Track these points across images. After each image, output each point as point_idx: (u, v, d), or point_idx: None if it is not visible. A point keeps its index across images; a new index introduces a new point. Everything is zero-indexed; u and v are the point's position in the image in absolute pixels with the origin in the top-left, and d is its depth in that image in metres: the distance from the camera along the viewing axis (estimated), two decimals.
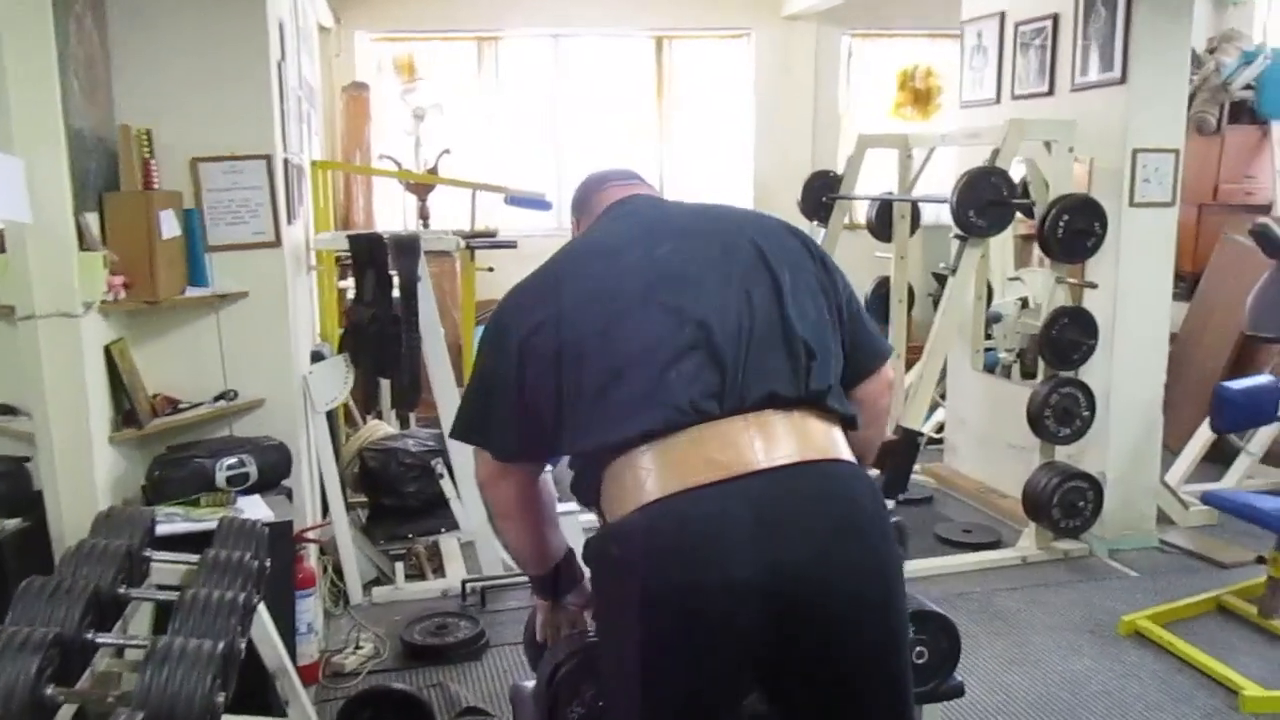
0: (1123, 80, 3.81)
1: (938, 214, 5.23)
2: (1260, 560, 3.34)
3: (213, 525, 2.28)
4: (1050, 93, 4.21)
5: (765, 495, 1.38)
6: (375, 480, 3.88)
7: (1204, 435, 4.48)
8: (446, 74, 6.44)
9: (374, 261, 3.61)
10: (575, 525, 2.93)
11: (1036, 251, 4.66)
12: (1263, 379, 3.56)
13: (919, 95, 7.05)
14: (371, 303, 3.63)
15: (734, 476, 1.38)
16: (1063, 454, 3.99)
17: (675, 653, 1.38)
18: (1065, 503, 3.82)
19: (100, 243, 2.54)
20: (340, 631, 3.35)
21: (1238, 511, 3.27)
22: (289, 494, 2.90)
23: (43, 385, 2.32)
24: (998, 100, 4.55)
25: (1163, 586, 3.71)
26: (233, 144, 2.92)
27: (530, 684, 1.89)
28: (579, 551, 1.71)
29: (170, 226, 2.75)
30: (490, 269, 4.56)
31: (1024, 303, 4.59)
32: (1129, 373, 3.98)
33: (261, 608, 2.20)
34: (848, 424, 1.54)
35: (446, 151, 5.67)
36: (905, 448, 3.60)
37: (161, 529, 2.35)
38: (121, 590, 1.92)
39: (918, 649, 1.94)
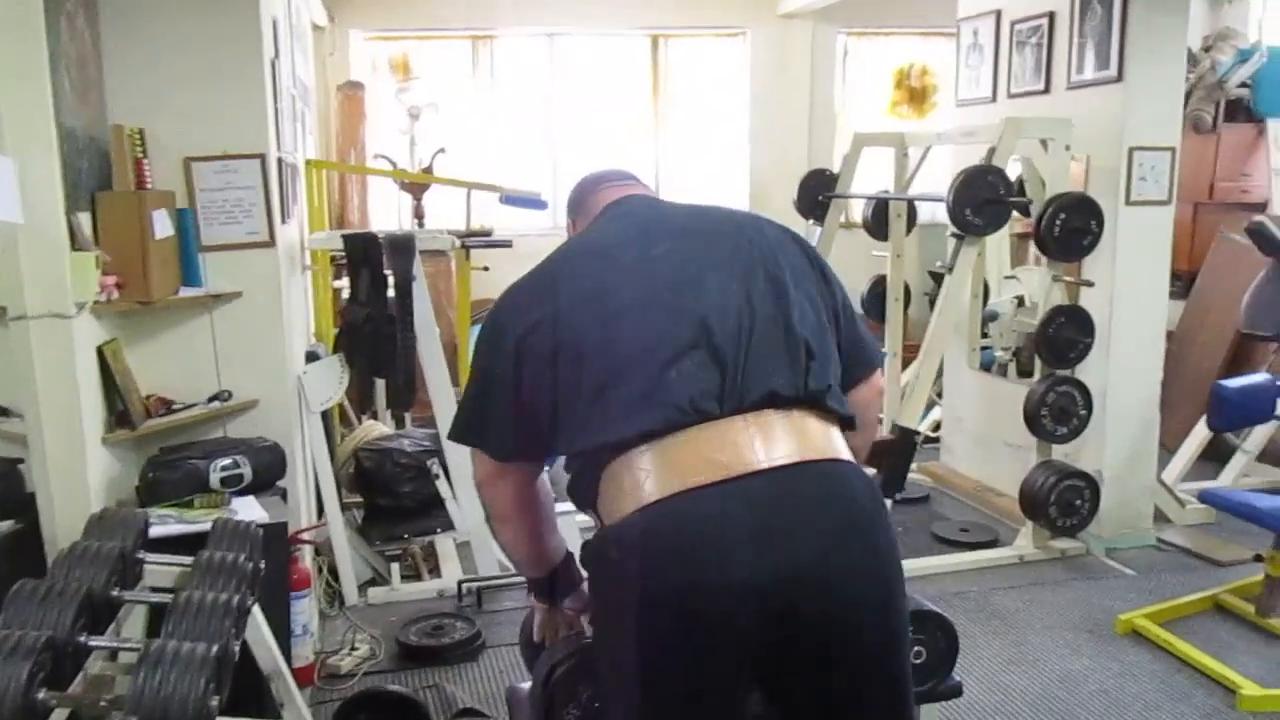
0: (1119, 78, 3.81)
1: (934, 212, 5.25)
2: (1258, 559, 3.34)
3: (207, 527, 2.26)
4: (1046, 91, 4.20)
5: (765, 495, 1.38)
6: (371, 481, 3.87)
7: (1200, 433, 4.48)
8: (441, 73, 6.42)
9: (369, 261, 3.60)
10: (573, 525, 2.93)
11: (1033, 250, 4.66)
12: (1259, 377, 3.56)
13: (915, 94, 7.04)
14: (366, 302, 3.61)
15: (734, 477, 1.37)
16: (1059, 452, 3.98)
17: (675, 653, 1.37)
18: (1062, 501, 3.82)
19: (93, 243, 2.52)
20: (336, 633, 3.34)
21: (1236, 511, 3.27)
22: (284, 495, 2.88)
23: (35, 386, 2.31)
24: (994, 98, 4.54)
25: (1160, 585, 3.71)
26: (226, 143, 2.90)
27: (526, 685, 1.88)
28: (577, 555, 1.70)
29: (163, 226, 2.73)
30: (486, 268, 4.55)
31: (1020, 301, 4.59)
32: (1126, 371, 3.98)
33: (256, 610, 2.19)
34: (846, 425, 1.54)
35: (441, 151, 5.65)
36: (902, 447, 3.60)
37: (155, 531, 2.33)
38: (115, 593, 1.91)
39: (916, 649, 1.94)
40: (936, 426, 5.24)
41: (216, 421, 2.97)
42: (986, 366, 4.72)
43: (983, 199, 3.59)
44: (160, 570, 2.11)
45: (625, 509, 1.41)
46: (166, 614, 1.80)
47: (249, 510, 2.62)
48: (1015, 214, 3.86)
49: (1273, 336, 4.47)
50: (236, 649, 1.88)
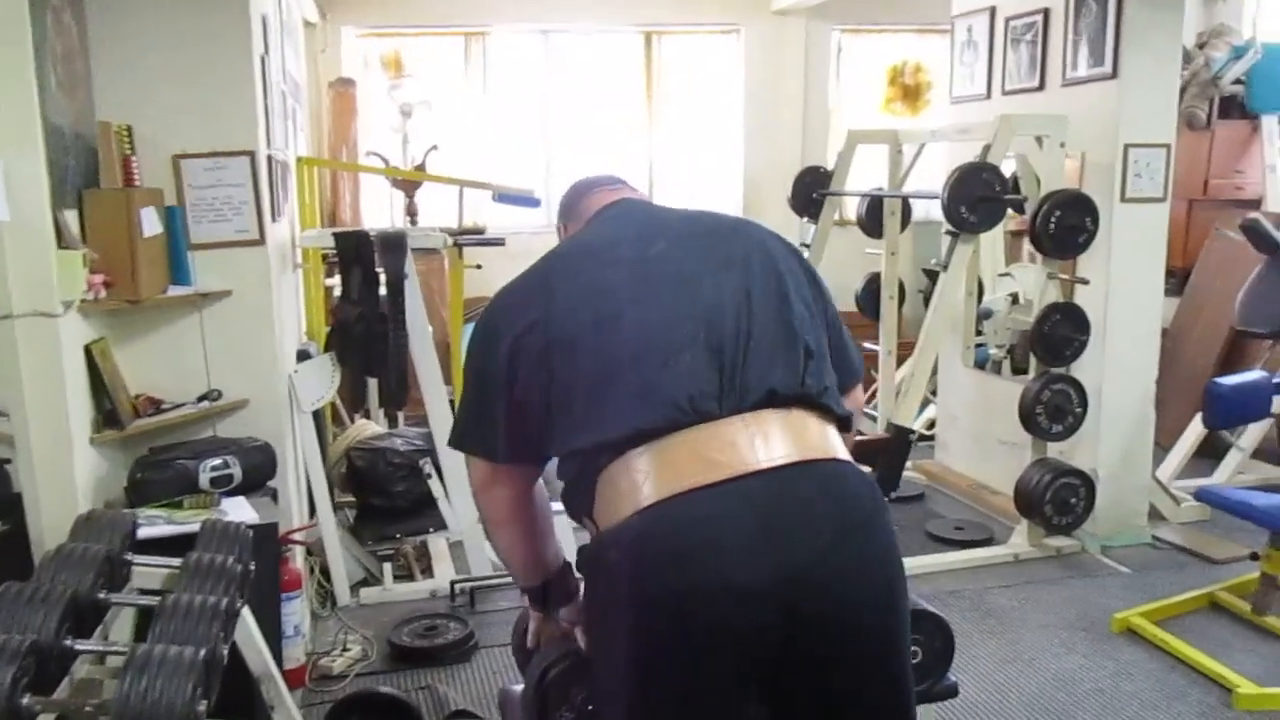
0: (1114, 75, 3.80)
1: (928, 210, 5.23)
2: (1253, 557, 3.33)
3: (195, 528, 2.24)
4: (1041, 88, 4.19)
5: (765, 495, 1.37)
6: (363, 480, 3.84)
7: (1195, 431, 4.47)
8: (434, 70, 6.39)
9: (360, 259, 3.58)
10: (568, 525, 2.91)
11: (1027, 247, 4.65)
12: (1254, 375, 3.56)
13: (909, 91, 7.03)
14: (358, 301, 3.60)
15: (733, 477, 1.36)
16: (1054, 450, 3.97)
17: (673, 656, 1.36)
18: (1057, 499, 3.81)
19: (80, 241, 2.49)
20: (328, 633, 3.32)
21: (1233, 509, 3.26)
22: (274, 495, 2.86)
23: (21, 386, 2.28)
24: (988, 95, 4.53)
25: (1155, 583, 3.70)
26: (215, 140, 2.87)
27: (519, 688, 1.86)
28: (573, 559, 1.68)
29: (151, 224, 2.70)
30: (478, 266, 4.53)
31: (1014, 298, 4.58)
32: (1121, 369, 3.98)
33: (246, 611, 2.17)
34: (843, 426, 1.53)
35: (434, 148, 5.64)
36: (897, 445, 3.59)
37: (143, 532, 2.31)
38: (101, 595, 1.89)
39: (912, 649, 1.92)
40: (931, 424, 5.23)
41: (206, 421, 2.94)
42: (981, 364, 4.71)
43: (978, 196, 3.58)
44: (148, 572, 2.09)
45: (623, 512, 1.39)
46: (153, 617, 1.78)
47: (239, 511, 2.60)
48: (1009, 211, 3.85)
49: (1267, 334, 4.47)
50: (225, 652, 1.86)
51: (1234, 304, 4.46)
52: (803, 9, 6.52)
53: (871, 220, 4.81)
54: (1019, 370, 4.54)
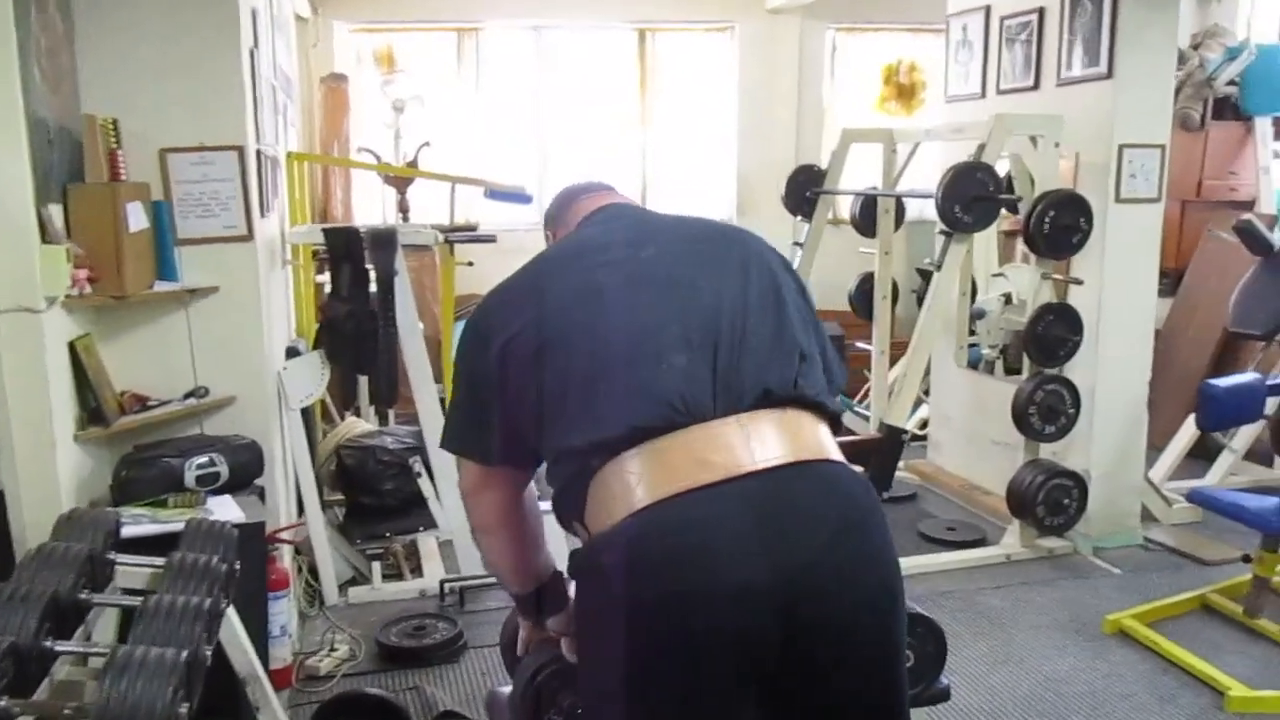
0: (1109, 75, 3.79)
1: (922, 209, 5.23)
2: (1246, 559, 3.32)
3: (180, 527, 2.21)
4: (1036, 87, 4.18)
5: (762, 496, 1.35)
6: (352, 478, 3.82)
7: (1188, 432, 4.47)
8: (426, 65, 6.35)
9: (350, 255, 3.55)
10: (560, 534, 2.88)
11: (1021, 247, 4.64)
12: (1247, 377, 3.55)
13: (903, 90, 7.01)
14: (348, 298, 3.56)
15: (729, 478, 1.35)
16: (1047, 451, 3.97)
17: (671, 659, 1.34)
18: (1050, 500, 3.80)
19: (64, 235, 2.46)
20: (315, 633, 3.29)
21: (1225, 511, 3.25)
22: (261, 494, 2.83)
23: (3, 382, 2.25)
24: (983, 95, 4.52)
25: (1147, 584, 3.70)
26: (203, 135, 2.84)
27: (507, 690, 1.84)
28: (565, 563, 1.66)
29: (138, 219, 2.67)
30: (470, 263, 4.50)
31: (1008, 299, 4.57)
32: (1114, 370, 3.97)
33: (231, 612, 2.15)
34: (835, 427, 1.52)
35: (426, 144, 5.60)
36: (889, 445, 3.58)
37: (127, 531, 2.29)
38: (83, 595, 1.86)
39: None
40: (924, 424, 5.22)
41: (192, 419, 2.91)
42: (974, 364, 4.70)
43: (972, 196, 3.58)
44: (132, 572, 2.06)
45: (617, 515, 1.37)
46: (135, 618, 1.75)
47: (225, 509, 2.57)
48: (1004, 211, 3.84)
49: (1260, 335, 4.46)
50: (208, 654, 1.84)
51: (1227, 305, 4.46)
52: (797, 7, 6.50)
53: (865, 219, 4.79)
54: (1012, 371, 4.53)
